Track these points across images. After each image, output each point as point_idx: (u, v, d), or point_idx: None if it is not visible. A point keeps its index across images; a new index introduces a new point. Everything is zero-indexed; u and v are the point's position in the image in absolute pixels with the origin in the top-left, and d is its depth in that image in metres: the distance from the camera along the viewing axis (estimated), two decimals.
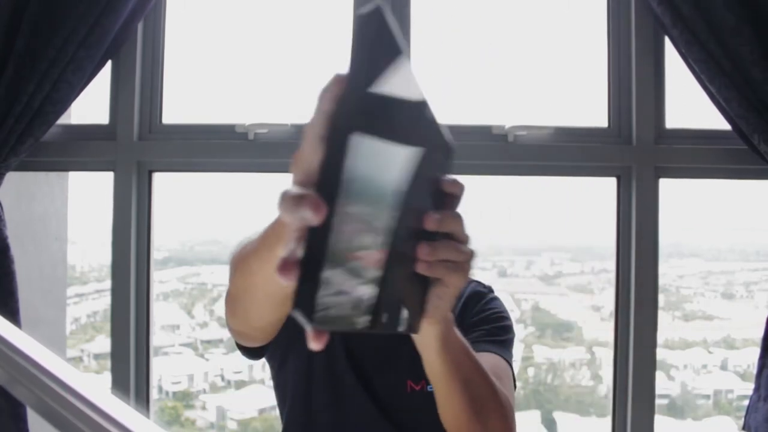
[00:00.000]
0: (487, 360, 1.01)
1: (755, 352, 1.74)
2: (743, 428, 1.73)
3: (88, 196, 2.32)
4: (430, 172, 0.55)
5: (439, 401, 0.83)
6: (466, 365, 0.80)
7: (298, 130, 1.91)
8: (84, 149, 1.90)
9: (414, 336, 0.74)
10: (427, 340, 0.75)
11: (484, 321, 1.10)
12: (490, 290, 1.19)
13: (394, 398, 1.06)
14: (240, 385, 3.88)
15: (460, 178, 0.61)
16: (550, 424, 3.59)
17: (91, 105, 1.94)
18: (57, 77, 1.71)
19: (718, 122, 1.75)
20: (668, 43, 1.80)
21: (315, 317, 0.41)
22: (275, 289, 0.72)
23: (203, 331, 4.10)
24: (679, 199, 2.01)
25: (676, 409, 3.62)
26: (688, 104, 1.90)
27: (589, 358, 3.82)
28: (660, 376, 2.00)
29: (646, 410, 1.83)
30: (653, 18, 1.80)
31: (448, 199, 0.61)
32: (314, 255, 0.40)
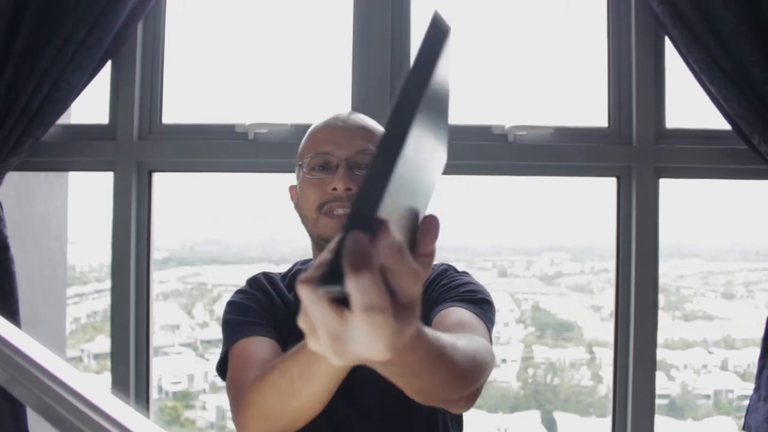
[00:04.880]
0: (452, 315, 0.99)
1: (755, 352, 1.74)
2: (743, 428, 1.73)
3: (88, 196, 2.32)
4: None
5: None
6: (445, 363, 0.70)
7: (298, 130, 1.91)
8: (84, 149, 1.90)
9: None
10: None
11: (451, 289, 1.09)
12: (465, 273, 1.18)
13: (375, 397, 1.06)
14: None
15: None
16: (550, 424, 3.59)
17: (91, 105, 1.94)
18: (57, 77, 1.71)
19: (718, 122, 1.75)
20: (668, 43, 1.80)
21: None
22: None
23: (203, 331, 4.11)
24: (679, 199, 2.01)
25: (676, 409, 3.62)
26: (688, 104, 1.90)
27: (589, 358, 3.82)
28: (660, 376, 2.01)
29: (646, 410, 1.83)
30: (653, 18, 1.80)
31: None
32: None
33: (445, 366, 0.66)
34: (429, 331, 0.59)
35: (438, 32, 0.44)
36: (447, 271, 1.16)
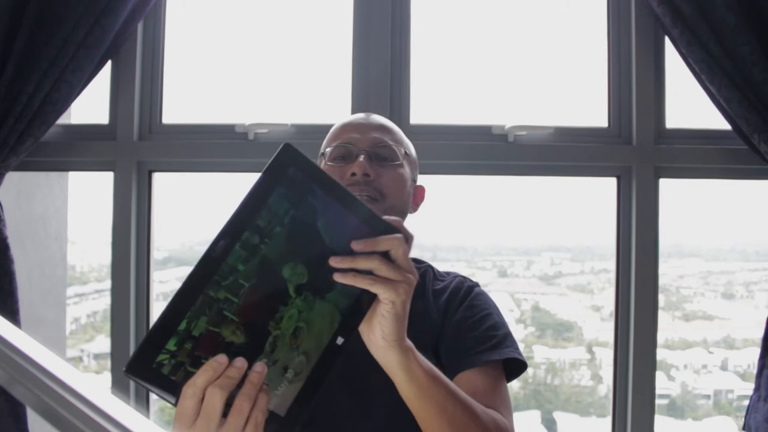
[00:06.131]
0: (478, 380, 1.02)
1: (755, 352, 1.74)
2: (743, 428, 1.73)
3: (88, 196, 2.32)
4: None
5: (417, 420, 0.86)
6: (438, 393, 0.83)
7: (298, 130, 1.91)
8: (84, 149, 1.90)
9: (380, 363, 0.79)
10: (391, 367, 0.80)
11: (472, 327, 1.09)
12: (476, 285, 1.19)
13: (379, 394, 1.06)
14: None
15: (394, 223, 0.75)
16: (550, 424, 3.59)
17: (91, 105, 1.94)
18: (57, 77, 1.71)
19: (718, 122, 1.75)
20: (668, 43, 1.80)
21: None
22: None
23: None
24: (679, 199, 2.01)
25: (676, 409, 3.62)
26: (688, 104, 1.90)
27: (589, 358, 3.82)
28: (660, 376, 2.00)
29: (646, 410, 1.83)
30: (653, 18, 1.80)
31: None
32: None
33: (444, 389, 0.82)
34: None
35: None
36: (461, 282, 1.18)
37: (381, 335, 0.76)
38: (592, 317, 4.00)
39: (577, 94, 2.09)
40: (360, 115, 1.21)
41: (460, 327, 1.09)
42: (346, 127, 1.17)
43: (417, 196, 1.23)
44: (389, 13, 1.89)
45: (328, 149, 1.16)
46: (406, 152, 1.17)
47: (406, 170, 1.16)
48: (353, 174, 1.10)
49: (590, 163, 1.89)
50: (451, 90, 2.13)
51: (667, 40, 1.81)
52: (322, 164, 1.17)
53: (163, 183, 1.98)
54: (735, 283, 4.01)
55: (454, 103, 2.09)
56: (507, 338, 1.09)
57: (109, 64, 1.87)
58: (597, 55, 1.91)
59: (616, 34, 1.89)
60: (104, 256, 2.00)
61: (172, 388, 0.62)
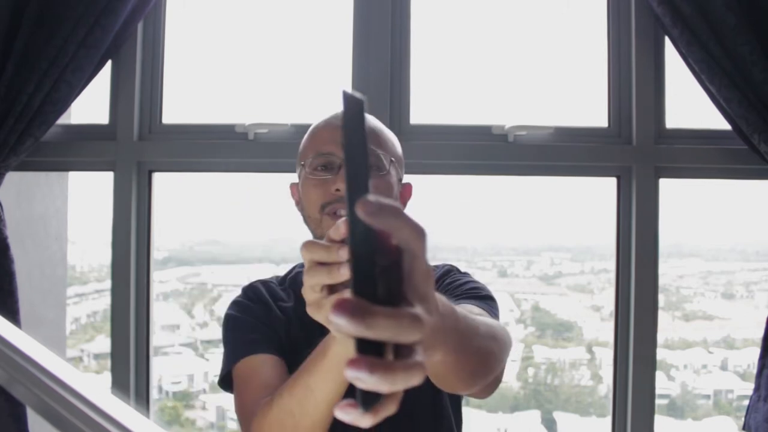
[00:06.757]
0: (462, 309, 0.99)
1: (755, 352, 1.74)
2: (743, 428, 1.73)
3: (88, 196, 2.32)
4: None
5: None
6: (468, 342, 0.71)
7: (298, 130, 1.91)
8: (84, 149, 1.90)
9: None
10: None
11: (456, 288, 1.09)
12: (466, 273, 1.19)
13: None
14: None
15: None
16: (550, 424, 3.59)
17: (91, 105, 1.94)
18: (57, 77, 1.71)
19: (718, 122, 1.75)
20: (668, 43, 1.80)
21: None
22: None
23: (203, 331, 4.11)
24: (679, 199, 2.01)
25: (676, 409, 3.62)
26: (688, 104, 1.90)
27: (589, 358, 3.82)
28: (660, 376, 2.01)
29: (646, 410, 1.83)
30: (653, 18, 1.80)
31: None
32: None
33: (476, 334, 0.70)
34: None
35: (355, 106, 0.46)
36: (450, 271, 1.17)
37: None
38: (592, 317, 4.01)
39: (577, 94, 2.09)
40: (340, 115, 1.13)
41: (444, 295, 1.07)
42: (324, 133, 1.11)
43: (404, 194, 1.18)
44: (389, 13, 1.89)
45: (308, 159, 1.09)
46: (392, 158, 1.11)
47: (393, 176, 1.11)
48: (337, 190, 1.04)
49: (590, 163, 1.89)
50: (451, 90, 2.14)
51: (667, 40, 1.81)
52: (302, 175, 1.11)
53: (163, 183, 1.98)
54: (735, 283, 4.02)
55: (454, 103, 2.09)
56: (492, 300, 1.08)
57: (109, 64, 1.87)
58: (597, 55, 1.91)
59: (616, 34, 1.89)
60: (104, 256, 2.00)
61: None
